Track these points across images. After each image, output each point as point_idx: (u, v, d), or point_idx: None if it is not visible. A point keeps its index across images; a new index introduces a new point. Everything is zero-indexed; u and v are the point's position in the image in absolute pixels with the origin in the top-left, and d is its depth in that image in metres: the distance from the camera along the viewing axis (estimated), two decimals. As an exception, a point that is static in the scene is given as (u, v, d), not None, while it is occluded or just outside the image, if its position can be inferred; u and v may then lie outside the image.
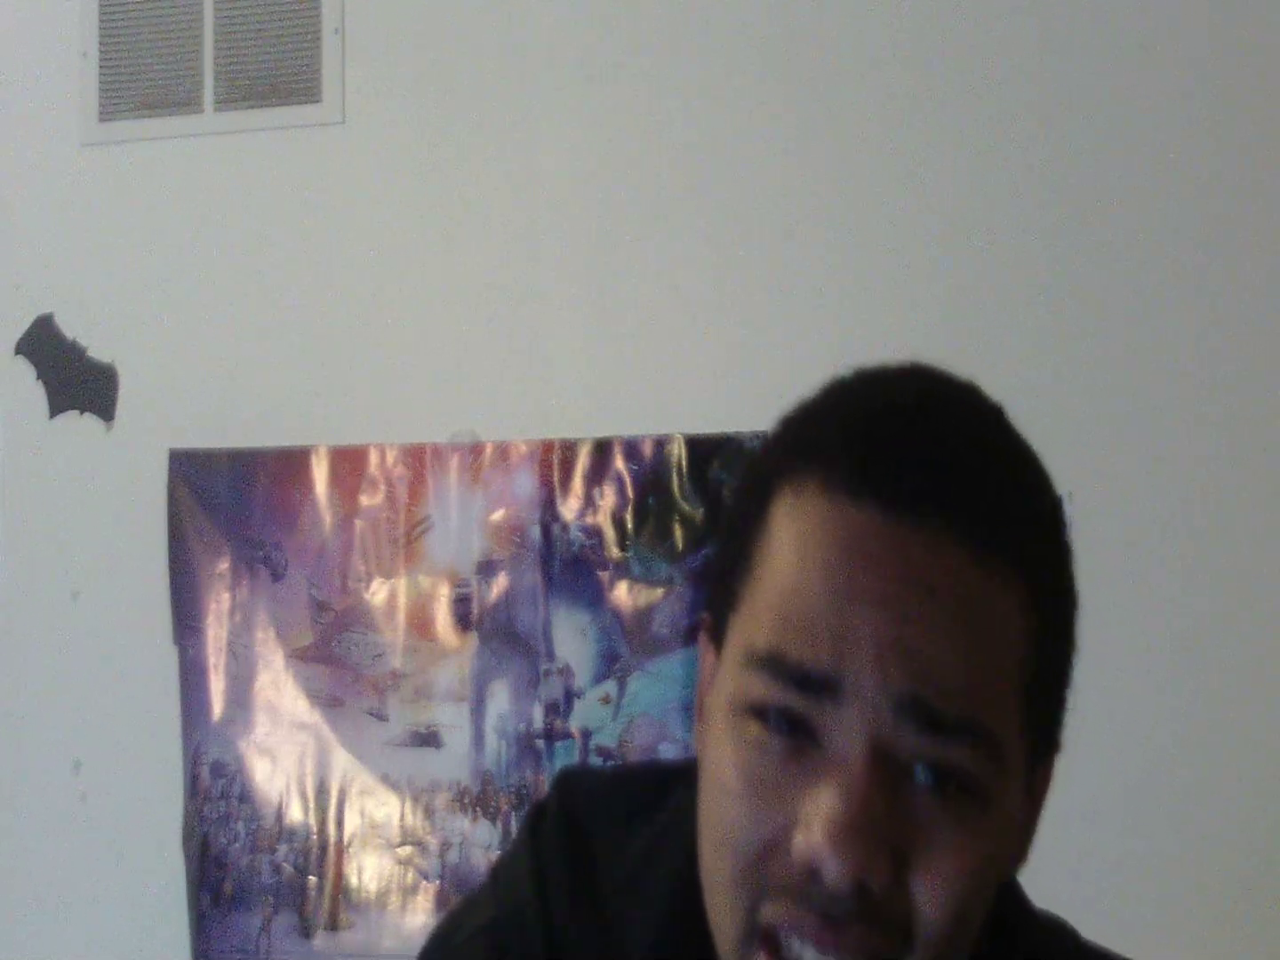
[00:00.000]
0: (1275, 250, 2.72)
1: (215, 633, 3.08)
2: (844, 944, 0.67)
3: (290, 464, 3.07)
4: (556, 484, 2.94)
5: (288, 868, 3.02)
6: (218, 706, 3.07)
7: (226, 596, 3.08)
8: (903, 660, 0.67)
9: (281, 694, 3.04)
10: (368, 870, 2.99)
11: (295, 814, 3.03)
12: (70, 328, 3.21)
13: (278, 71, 3.13)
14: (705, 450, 2.85)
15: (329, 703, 3.02)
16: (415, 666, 2.99)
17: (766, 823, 0.69)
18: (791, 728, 0.69)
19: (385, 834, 2.98)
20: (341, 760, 3.01)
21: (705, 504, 2.86)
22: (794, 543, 0.71)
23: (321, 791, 3.02)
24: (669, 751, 2.82)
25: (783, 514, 0.72)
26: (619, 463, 2.92)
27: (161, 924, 3.05)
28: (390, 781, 2.99)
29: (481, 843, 2.93)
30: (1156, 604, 2.71)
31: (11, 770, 3.17)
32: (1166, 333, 2.75)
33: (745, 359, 2.82)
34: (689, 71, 2.95)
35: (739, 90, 2.93)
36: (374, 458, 3.03)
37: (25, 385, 3.23)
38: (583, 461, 2.93)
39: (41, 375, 3.23)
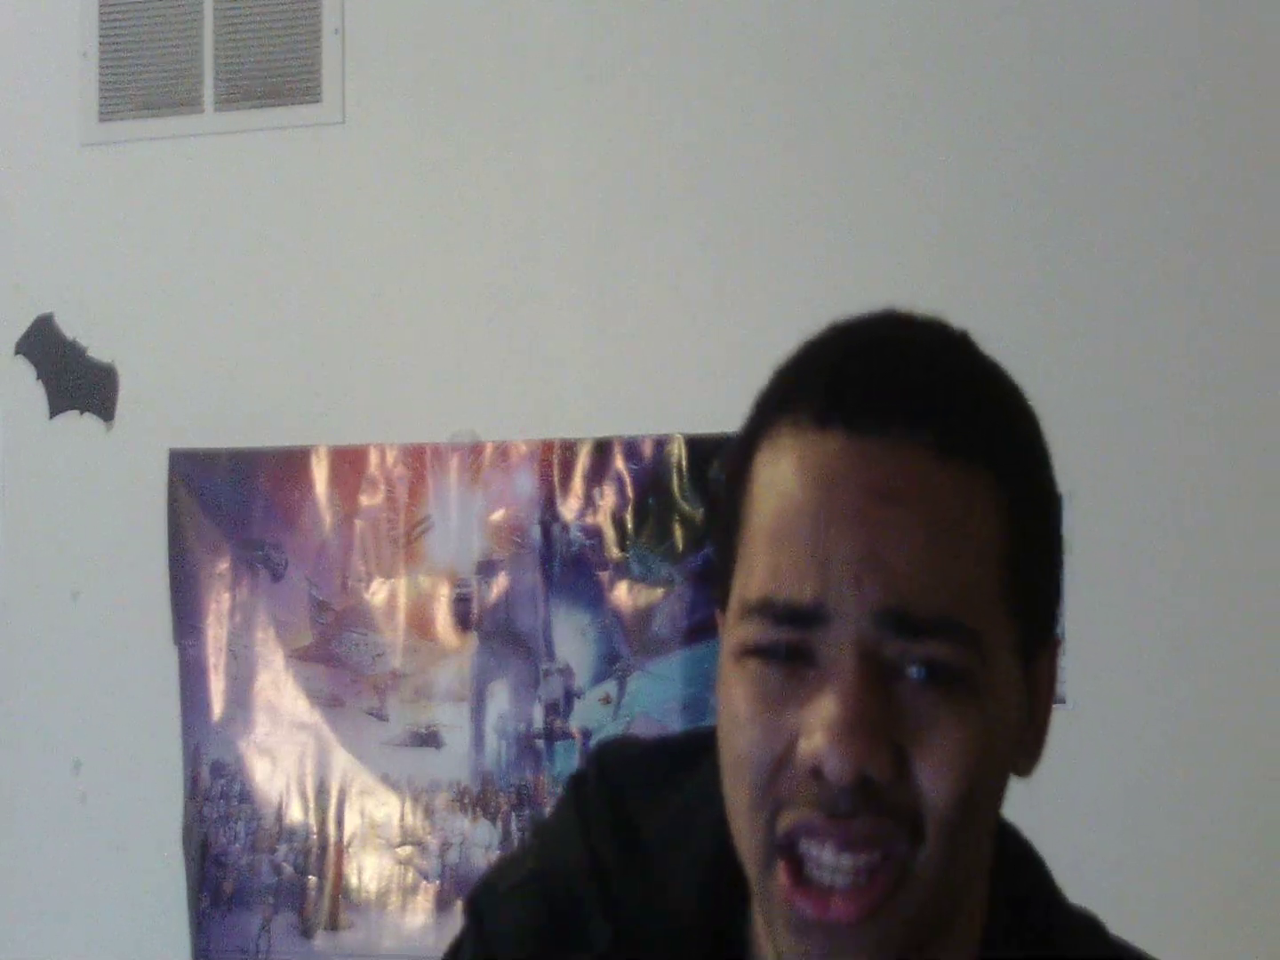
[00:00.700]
0: (1270, 248, 2.72)
1: (215, 633, 3.08)
2: (853, 836, 0.70)
3: (290, 464, 3.07)
4: (556, 484, 2.94)
5: (288, 868, 3.02)
6: (218, 706, 3.07)
7: (226, 596, 3.08)
8: (876, 574, 0.70)
9: (281, 694, 3.04)
10: (368, 870, 2.99)
11: (295, 814, 3.03)
12: (70, 328, 3.21)
13: (278, 71, 3.14)
14: (705, 450, 2.85)
15: (329, 703, 3.02)
16: (415, 666, 2.99)
17: (774, 741, 0.72)
18: (788, 655, 0.72)
19: (385, 834, 2.98)
20: (341, 760, 3.01)
21: (705, 504, 2.86)
22: (771, 485, 0.74)
23: (321, 791, 3.02)
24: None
25: (761, 465, 0.75)
26: (619, 463, 2.92)
27: (161, 924, 3.05)
28: (390, 781, 2.99)
29: (481, 843, 2.93)
30: (1154, 603, 2.71)
31: (11, 770, 3.17)
32: (1163, 332, 2.75)
33: (745, 359, 2.82)
34: (689, 72, 2.95)
35: (739, 90, 2.93)
36: (374, 458, 3.03)
37: (25, 385, 3.23)
38: (583, 461, 2.93)
39: (41, 375, 3.23)
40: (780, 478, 0.74)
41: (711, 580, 0.85)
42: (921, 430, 0.71)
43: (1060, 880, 0.87)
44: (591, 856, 0.86)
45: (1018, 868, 0.83)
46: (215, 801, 3.05)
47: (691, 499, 2.87)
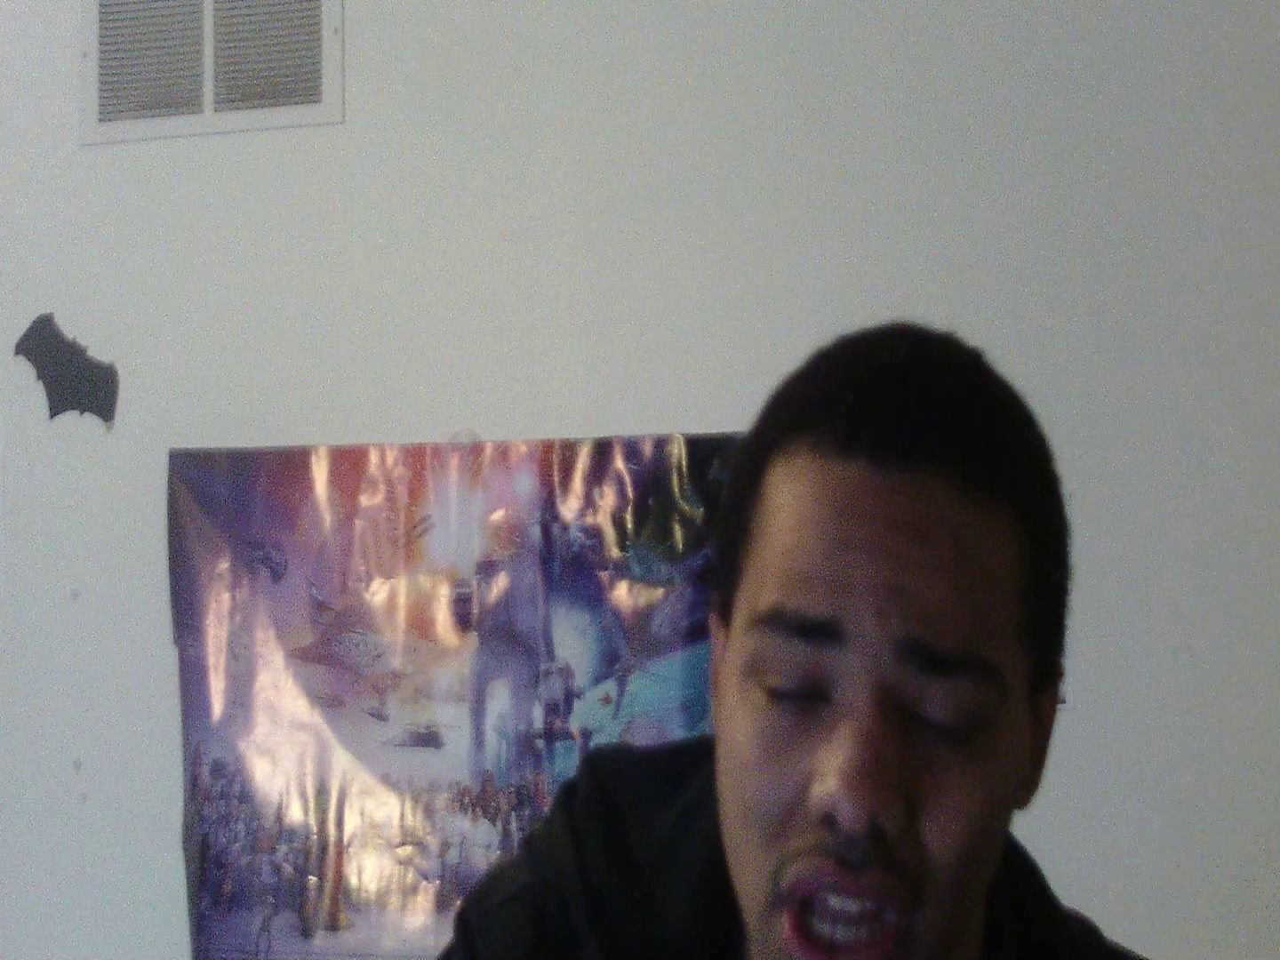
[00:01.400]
0: (1270, 248, 2.73)
1: (215, 633, 3.08)
2: (859, 888, 0.69)
3: (290, 464, 3.07)
4: (556, 484, 2.94)
5: (288, 868, 3.02)
6: (218, 706, 3.07)
7: (226, 596, 3.08)
8: (900, 605, 0.69)
9: (281, 694, 3.04)
10: (368, 870, 2.99)
11: (295, 814, 3.03)
12: (70, 328, 3.21)
13: (278, 71, 3.13)
14: (705, 450, 2.85)
15: (329, 703, 3.02)
16: (415, 666, 2.99)
17: (784, 786, 0.70)
18: (798, 687, 0.71)
19: (385, 834, 2.98)
20: (341, 760, 3.01)
21: (705, 504, 2.86)
22: (789, 506, 0.73)
23: (321, 791, 3.02)
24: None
25: (776, 483, 0.74)
26: (619, 463, 2.92)
27: (161, 924, 3.05)
28: (390, 781, 2.99)
29: (481, 843, 2.93)
30: (1154, 603, 2.71)
31: (11, 770, 3.17)
32: (1165, 332, 2.75)
33: (745, 359, 2.82)
34: (689, 72, 2.95)
35: (739, 91, 2.93)
36: (374, 458, 3.03)
37: (25, 385, 3.23)
38: (583, 461, 2.93)
39: (41, 375, 3.23)
40: (798, 499, 0.73)
41: (711, 585, 0.83)
42: (946, 464, 0.71)
43: (1061, 881, 0.87)
44: (582, 872, 0.85)
45: (1015, 874, 0.83)
46: (215, 801, 3.05)
47: (691, 499, 2.87)
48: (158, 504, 3.11)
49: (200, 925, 3.04)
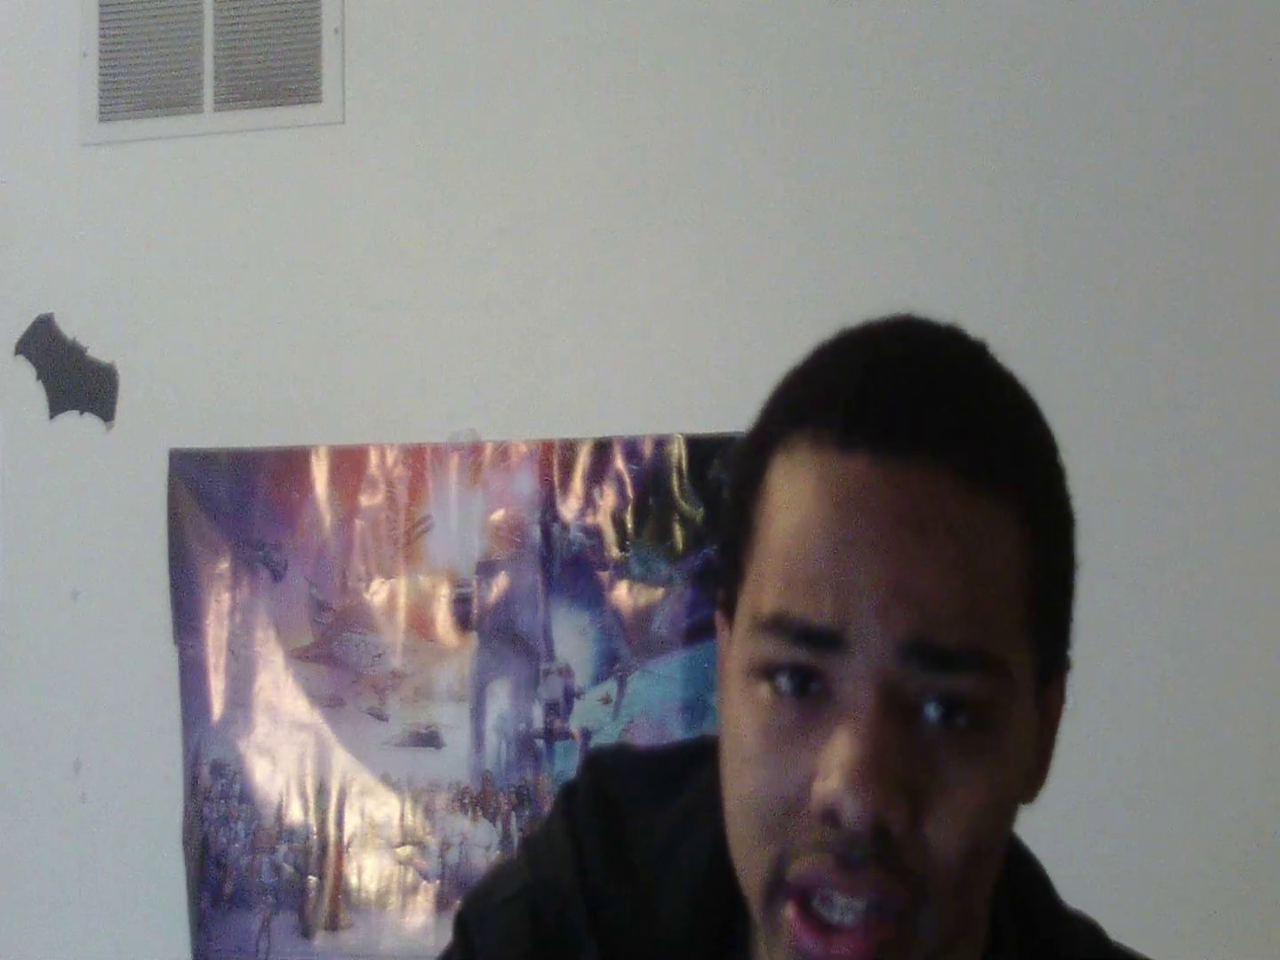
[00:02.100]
0: (1271, 249, 2.73)
1: (215, 633, 3.08)
2: (860, 886, 0.69)
3: (290, 464, 3.07)
4: (556, 484, 2.94)
5: (288, 868, 3.02)
6: (218, 706, 3.07)
7: (226, 596, 3.08)
8: (903, 603, 0.68)
9: (281, 694, 3.04)
10: (368, 870, 2.99)
11: (295, 814, 3.03)
12: (70, 328, 3.21)
13: (278, 71, 3.14)
14: (705, 450, 2.86)
15: (329, 703, 3.02)
16: (415, 666, 2.99)
17: (787, 780, 0.70)
18: (802, 684, 0.71)
19: (385, 834, 2.98)
20: (341, 760, 3.01)
21: (705, 504, 2.86)
22: (790, 503, 0.72)
23: (321, 791, 3.02)
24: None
25: (777, 478, 0.73)
26: (619, 463, 2.92)
27: (161, 924, 3.05)
28: (390, 781, 2.99)
29: (481, 843, 2.93)
30: (1154, 602, 2.71)
31: (11, 770, 3.17)
32: (1166, 331, 2.75)
33: (745, 359, 2.82)
34: (689, 72, 2.95)
35: (739, 91, 2.93)
36: (374, 458, 3.03)
37: (25, 385, 3.23)
38: (583, 461, 2.93)
39: (41, 375, 3.23)
40: (799, 495, 0.72)
41: (716, 582, 0.82)
42: (950, 456, 0.70)
43: (1062, 880, 0.87)
44: (581, 874, 0.84)
45: (1018, 873, 0.83)
46: (215, 801, 3.05)
47: (691, 499, 2.87)
48: (158, 504, 3.11)
49: (200, 925, 3.04)
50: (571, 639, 2.92)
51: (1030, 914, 0.83)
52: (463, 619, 2.98)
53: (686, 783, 0.85)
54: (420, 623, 2.99)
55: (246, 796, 3.05)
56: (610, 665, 2.90)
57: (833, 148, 2.89)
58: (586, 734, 2.90)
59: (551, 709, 2.92)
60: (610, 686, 2.89)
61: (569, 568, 2.93)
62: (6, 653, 3.19)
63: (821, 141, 2.89)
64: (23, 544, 3.20)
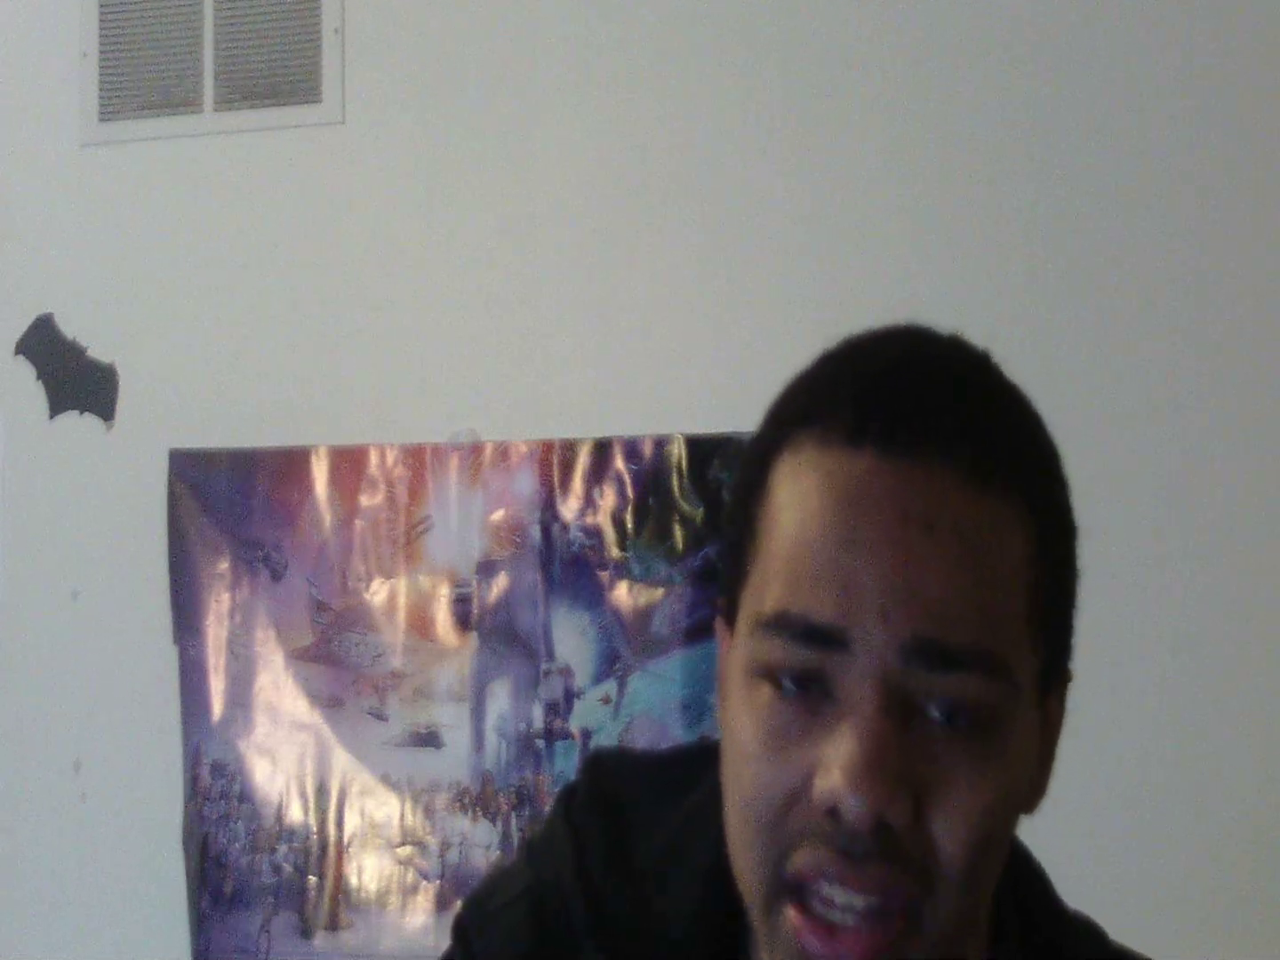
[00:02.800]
0: (1271, 249, 2.73)
1: (215, 633, 3.08)
2: (864, 881, 0.68)
3: (290, 464, 3.07)
4: (556, 484, 2.94)
5: (288, 868, 3.02)
6: (218, 706, 3.07)
7: (226, 596, 3.08)
8: (907, 604, 0.68)
9: (281, 694, 3.04)
10: (368, 870, 2.99)
11: (295, 814, 3.03)
12: (70, 328, 3.21)
13: (278, 71, 3.14)
14: (705, 450, 2.85)
15: (329, 703, 3.02)
16: (415, 666, 2.99)
17: (787, 777, 0.70)
18: (804, 683, 0.70)
19: (385, 834, 2.98)
20: (341, 760, 3.01)
21: (705, 504, 2.86)
22: (794, 502, 0.72)
23: (321, 791, 3.02)
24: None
25: (782, 478, 0.73)
26: (619, 463, 2.92)
27: (161, 924, 3.05)
28: (390, 781, 2.99)
29: (481, 843, 2.93)
30: (1154, 602, 2.71)
31: (11, 770, 3.17)
32: (1166, 330, 2.75)
33: (746, 359, 2.82)
34: (689, 72, 2.95)
35: (739, 90, 2.93)
36: (374, 458, 3.03)
37: (25, 385, 3.23)
38: (583, 461, 2.93)
39: (41, 375, 3.23)
40: (804, 493, 0.71)
41: (717, 585, 0.81)
42: (957, 455, 0.70)
43: (1062, 881, 0.87)
44: (582, 875, 0.84)
45: (1019, 876, 0.83)
46: (215, 801, 3.05)
47: (691, 499, 2.87)
48: (158, 504, 3.11)
49: (200, 925, 3.04)
50: (571, 639, 2.92)
51: (1031, 912, 0.82)
52: (463, 619, 2.98)
53: (688, 786, 0.84)
54: (420, 623, 2.99)
55: (246, 796, 3.05)
56: (610, 665, 2.90)
57: (833, 148, 2.89)
58: (586, 734, 2.90)
59: (551, 709, 2.92)
60: (610, 686, 2.89)
61: (569, 568, 2.93)
62: (6, 653, 3.19)
63: (821, 141, 2.89)
64: (23, 544, 3.20)
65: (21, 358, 3.24)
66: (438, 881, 2.95)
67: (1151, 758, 2.70)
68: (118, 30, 3.22)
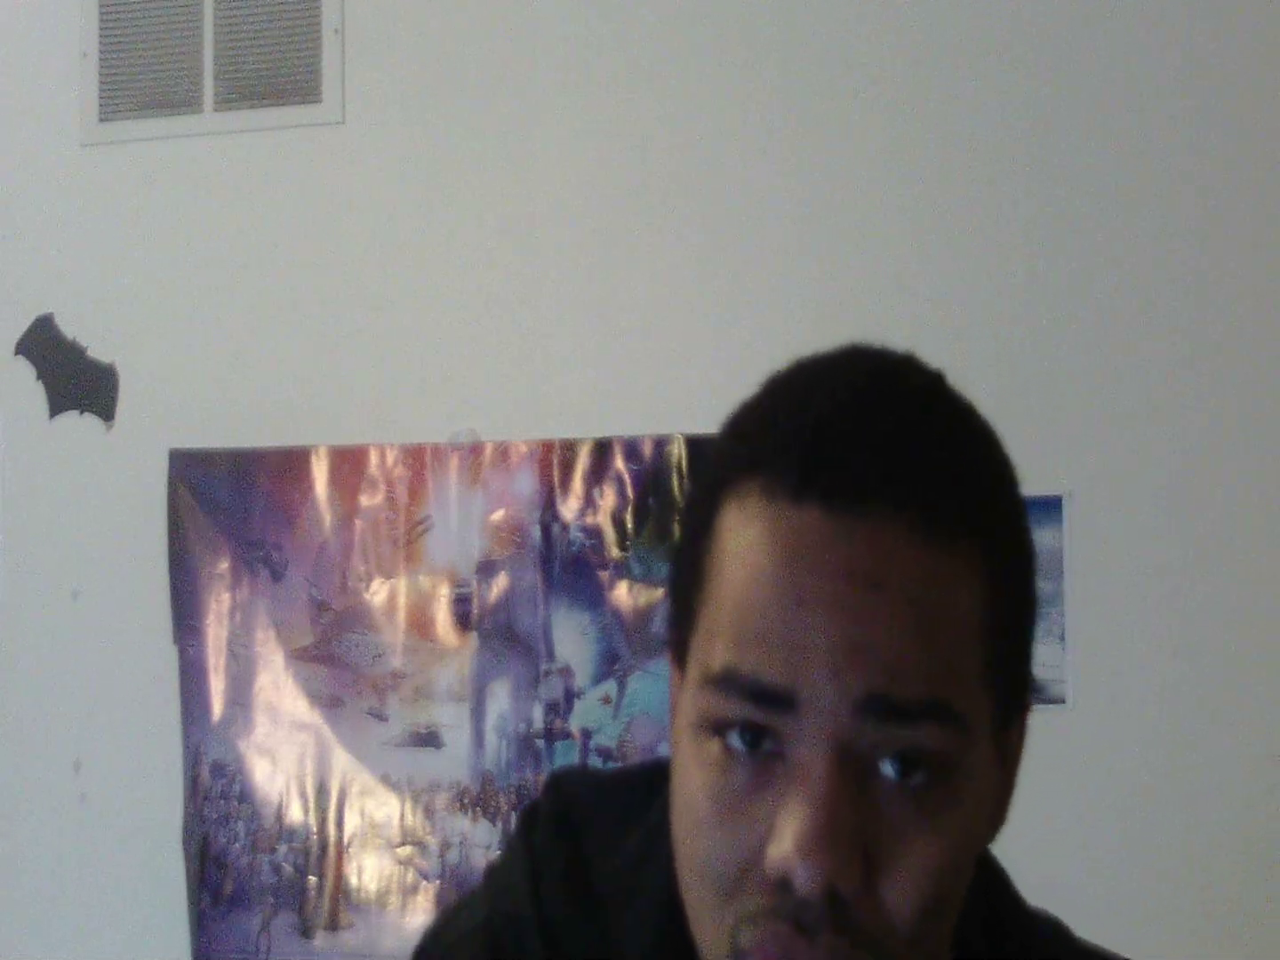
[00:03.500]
0: (1270, 249, 2.73)
1: (215, 633, 3.08)
2: (817, 953, 0.67)
3: (290, 464, 3.07)
4: (556, 484, 2.94)
5: (288, 868, 3.02)
6: (218, 706, 3.07)
7: (226, 596, 3.08)
8: (857, 662, 0.67)
9: (281, 694, 3.04)
10: (368, 870, 2.99)
11: (295, 814, 3.03)
12: (70, 328, 3.21)
13: (278, 71, 3.14)
14: (705, 450, 2.85)
15: (329, 703, 3.02)
16: (415, 666, 2.99)
17: (739, 845, 0.69)
18: (753, 743, 0.69)
19: (385, 834, 2.98)
20: (341, 760, 3.01)
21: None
22: (741, 554, 0.70)
23: (321, 791, 3.02)
24: (669, 751, 2.82)
25: (728, 527, 0.71)
26: (619, 463, 2.92)
27: (161, 924, 3.05)
28: (390, 781, 2.99)
29: (481, 843, 2.93)
30: (1154, 602, 2.71)
31: (11, 770, 3.18)
32: (1165, 330, 2.75)
33: (745, 359, 2.82)
34: (689, 72, 2.95)
35: (739, 91, 2.93)
36: (374, 458, 3.03)
37: (25, 385, 3.23)
38: (583, 461, 2.93)
39: (41, 375, 3.23)
40: (750, 547, 0.70)
41: (667, 625, 0.80)
42: (903, 507, 0.68)
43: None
44: (539, 906, 0.83)
45: (980, 879, 0.81)
46: (215, 801, 3.05)
47: (691, 499, 2.87)
48: (158, 504, 3.11)
49: (200, 925, 3.04)
50: (571, 639, 2.92)
51: (1000, 922, 0.82)
52: (463, 619, 2.98)
53: (649, 807, 0.83)
54: (420, 623, 3.00)
55: (246, 796, 3.05)
56: (610, 665, 2.90)
57: (833, 148, 2.89)
58: (586, 734, 2.90)
59: (551, 709, 2.92)
60: (610, 686, 2.89)
61: (569, 568, 2.93)
62: (6, 653, 3.19)
63: (821, 141, 2.89)
64: (23, 544, 3.21)
65: (21, 358, 3.24)
66: (438, 881, 2.95)
67: (1149, 763, 2.70)
68: (118, 30, 3.22)
